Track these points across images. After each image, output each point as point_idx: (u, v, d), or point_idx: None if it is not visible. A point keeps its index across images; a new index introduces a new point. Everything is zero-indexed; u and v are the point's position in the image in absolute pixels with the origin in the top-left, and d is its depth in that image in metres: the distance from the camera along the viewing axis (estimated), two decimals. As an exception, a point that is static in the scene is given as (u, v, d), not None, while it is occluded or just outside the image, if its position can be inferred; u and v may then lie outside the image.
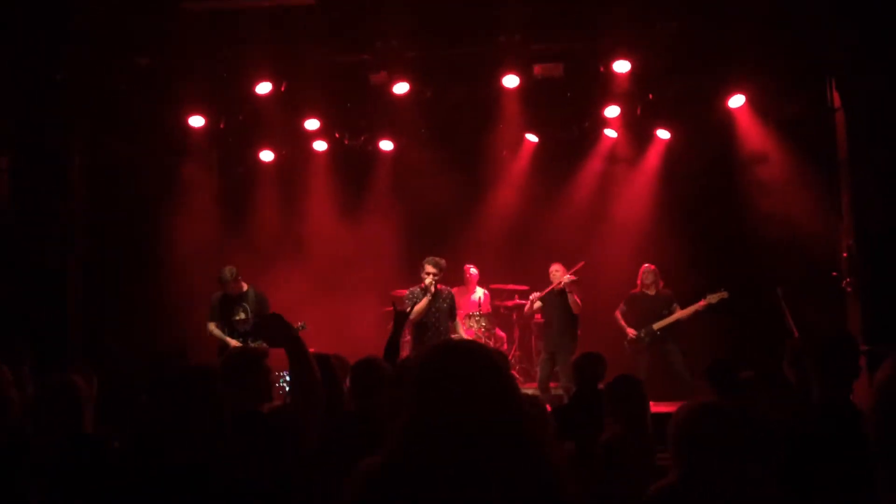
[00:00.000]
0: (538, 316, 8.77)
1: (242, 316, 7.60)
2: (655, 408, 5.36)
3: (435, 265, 7.28)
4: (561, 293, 8.26)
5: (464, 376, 1.73)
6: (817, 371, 3.45)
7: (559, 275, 8.32)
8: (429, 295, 7.20)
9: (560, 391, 8.06)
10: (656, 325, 8.34)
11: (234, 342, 7.44)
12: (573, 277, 8.25)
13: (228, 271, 7.60)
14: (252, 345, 7.20)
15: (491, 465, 1.64)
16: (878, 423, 1.73)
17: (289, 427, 2.80)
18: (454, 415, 1.67)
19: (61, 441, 3.34)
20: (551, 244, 9.65)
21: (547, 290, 8.42)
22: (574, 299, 8.17)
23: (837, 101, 7.35)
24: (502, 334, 9.57)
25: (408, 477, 1.65)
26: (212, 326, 7.63)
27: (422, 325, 7.34)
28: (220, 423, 2.71)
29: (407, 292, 7.48)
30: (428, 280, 7.23)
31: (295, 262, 9.79)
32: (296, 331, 2.85)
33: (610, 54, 8.08)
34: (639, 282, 8.53)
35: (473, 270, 9.34)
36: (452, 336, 7.45)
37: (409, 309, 6.95)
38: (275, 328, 2.87)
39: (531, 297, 8.70)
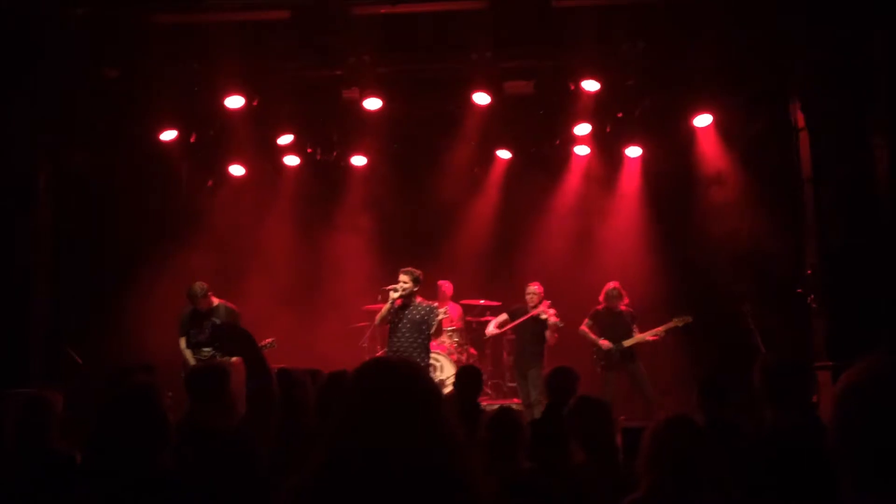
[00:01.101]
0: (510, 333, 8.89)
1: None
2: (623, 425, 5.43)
3: (407, 274, 7.38)
4: (537, 320, 8.35)
5: (382, 394, 1.72)
6: (765, 393, 3.53)
7: (536, 297, 8.41)
8: (389, 302, 7.31)
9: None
10: (626, 343, 8.37)
11: (193, 362, 7.36)
12: (561, 324, 8.31)
13: (199, 287, 7.52)
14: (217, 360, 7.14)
15: (407, 486, 1.63)
16: (837, 431, 1.76)
17: (247, 442, 2.77)
18: (372, 433, 1.66)
19: (29, 456, 3.28)
20: (523, 261, 9.73)
21: (526, 317, 8.46)
22: (554, 337, 8.32)
23: (801, 121, 7.51)
24: (474, 351, 9.58)
25: (330, 494, 1.64)
26: (183, 342, 7.55)
27: (390, 332, 7.44)
28: (164, 440, 2.69)
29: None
30: (394, 286, 7.34)
31: (264, 278, 9.71)
32: (252, 339, 2.83)
33: (579, 73, 8.18)
34: (602, 298, 8.57)
35: (446, 286, 9.38)
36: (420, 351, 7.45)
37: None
38: (229, 337, 2.85)
39: (488, 332, 8.98)
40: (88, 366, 7.29)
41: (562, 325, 8.34)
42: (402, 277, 7.35)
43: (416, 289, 7.41)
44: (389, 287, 7.37)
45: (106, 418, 2.82)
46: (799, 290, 7.30)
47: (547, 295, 8.53)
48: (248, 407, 2.97)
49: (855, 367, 1.68)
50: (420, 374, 1.80)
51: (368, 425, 1.67)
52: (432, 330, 7.46)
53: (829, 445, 1.76)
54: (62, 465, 3.16)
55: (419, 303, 7.45)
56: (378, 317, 7.42)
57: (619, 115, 8.92)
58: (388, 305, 7.31)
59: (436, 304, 7.79)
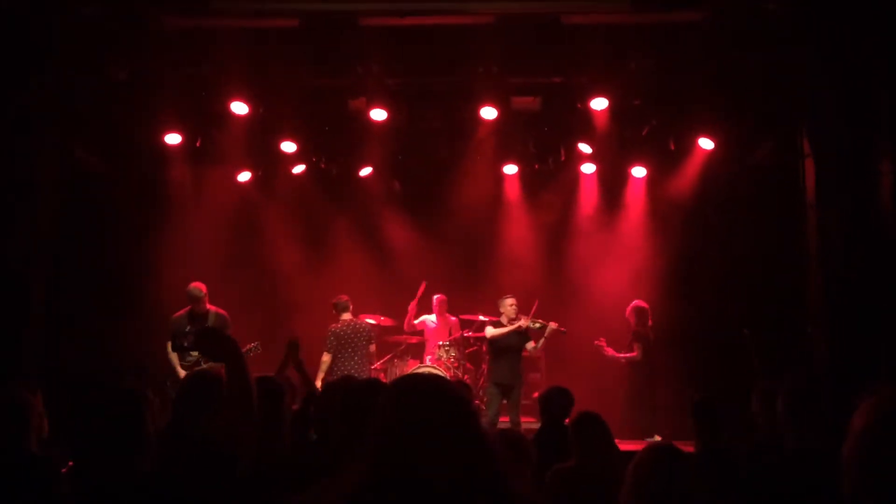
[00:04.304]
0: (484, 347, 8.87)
1: None
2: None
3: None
4: (520, 333, 8.32)
5: (428, 409, 1.71)
6: (788, 418, 3.38)
7: (514, 309, 8.40)
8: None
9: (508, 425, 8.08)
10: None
11: (182, 372, 7.33)
12: (563, 329, 8.32)
13: (195, 289, 7.56)
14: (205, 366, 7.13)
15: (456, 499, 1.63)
16: (856, 471, 1.71)
17: (226, 448, 2.75)
18: (419, 450, 1.65)
19: (4, 460, 3.24)
20: (524, 276, 9.68)
21: (514, 328, 8.38)
22: (538, 347, 8.34)
23: (807, 147, 7.47)
24: (471, 366, 9.52)
25: None
26: (170, 347, 7.51)
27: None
28: (143, 446, 2.67)
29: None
30: None
31: (262, 284, 9.72)
32: (236, 345, 2.82)
33: (586, 91, 8.17)
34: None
35: (439, 299, 9.40)
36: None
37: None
38: (213, 342, 2.84)
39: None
40: (82, 368, 7.26)
41: (565, 331, 8.35)
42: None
43: (336, 313, 8.52)
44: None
45: (86, 423, 2.80)
46: (745, 330, 7.39)
47: (553, 311, 8.57)
48: (226, 413, 2.95)
49: (872, 402, 1.64)
50: (456, 386, 1.81)
51: (415, 443, 1.66)
52: (363, 344, 8.43)
53: (846, 474, 1.70)
54: (37, 467, 3.12)
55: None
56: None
57: (626, 134, 8.91)
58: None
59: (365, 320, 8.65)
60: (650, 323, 8.62)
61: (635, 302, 8.67)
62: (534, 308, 8.43)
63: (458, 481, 1.62)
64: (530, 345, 8.35)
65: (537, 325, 8.32)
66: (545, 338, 8.30)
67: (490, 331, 8.47)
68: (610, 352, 8.64)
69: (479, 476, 1.64)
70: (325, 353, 8.32)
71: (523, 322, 8.30)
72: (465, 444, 1.67)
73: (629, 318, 8.66)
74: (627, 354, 8.57)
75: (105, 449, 2.65)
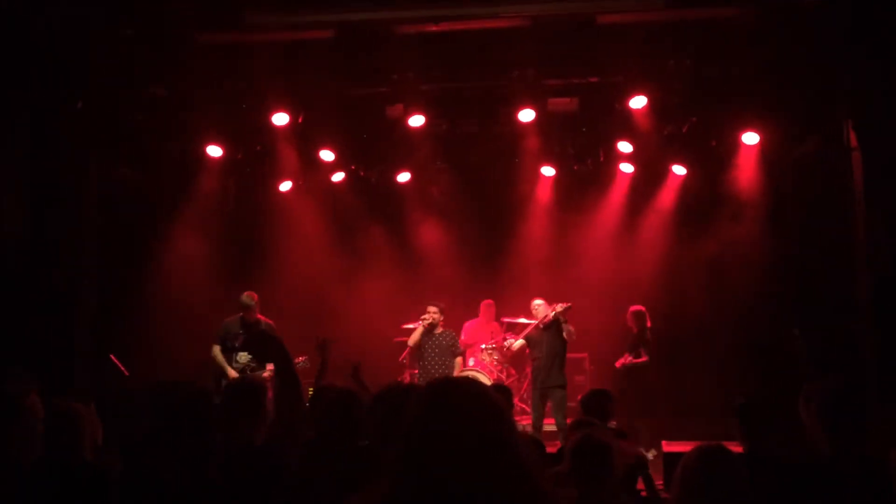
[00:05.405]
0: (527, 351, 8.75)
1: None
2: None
3: (435, 305, 8.46)
4: (548, 327, 8.22)
5: (462, 415, 1.68)
6: (822, 422, 3.28)
7: (543, 309, 8.28)
8: (421, 328, 8.41)
9: (555, 428, 8.00)
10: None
11: (233, 372, 7.45)
12: (567, 304, 8.19)
13: (247, 297, 7.66)
14: (251, 374, 7.26)
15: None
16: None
17: (275, 455, 2.79)
18: (452, 454, 1.62)
19: (61, 468, 3.33)
20: (568, 278, 9.63)
21: (531, 326, 8.43)
22: (569, 328, 8.18)
23: (854, 141, 7.30)
24: (514, 371, 9.51)
25: None
26: (216, 350, 7.62)
27: (418, 355, 8.46)
28: (211, 449, 2.72)
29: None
30: (426, 317, 8.41)
31: (305, 293, 9.81)
32: (283, 347, 2.86)
33: (623, 90, 8.10)
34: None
35: (488, 304, 9.40)
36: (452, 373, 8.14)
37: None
38: (262, 343, 2.90)
39: (506, 344, 8.90)
40: (132, 378, 7.42)
41: (568, 305, 8.22)
42: (431, 308, 8.42)
43: (441, 318, 8.42)
44: (421, 318, 8.44)
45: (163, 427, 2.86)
46: (794, 330, 7.22)
47: (595, 313, 8.49)
48: (276, 418, 2.98)
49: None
50: (493, 395, 1.75)
51: (439, 447, 1.63)
52: (458, 352, 8.44)
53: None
54: (92, 478, 3.20)
55: (444, 331, 8.43)
56: (411, 341, 8.51)
57: (666, 132, 8.80)
58: (419, 331, 8.39)
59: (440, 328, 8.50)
60: (649, 325, 8.49)
61: (633, 307, 8.56)
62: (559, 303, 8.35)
63: (481, 485, 1.59)
64: (567, 328, 8.28)
65: (559, 308, 8.24)
66: (565, 321, 8.21)
67: (516, 345, 8.73)
68: (620, 362, 8.62)
69: (505, 481, 1.61)
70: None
71: (543, 317, 8.27)
72: (490, 448, 1.63)
73: (629, 323, 8.57)
74: (636, 360, 8.50)
75: (176, 454, 2.70)
